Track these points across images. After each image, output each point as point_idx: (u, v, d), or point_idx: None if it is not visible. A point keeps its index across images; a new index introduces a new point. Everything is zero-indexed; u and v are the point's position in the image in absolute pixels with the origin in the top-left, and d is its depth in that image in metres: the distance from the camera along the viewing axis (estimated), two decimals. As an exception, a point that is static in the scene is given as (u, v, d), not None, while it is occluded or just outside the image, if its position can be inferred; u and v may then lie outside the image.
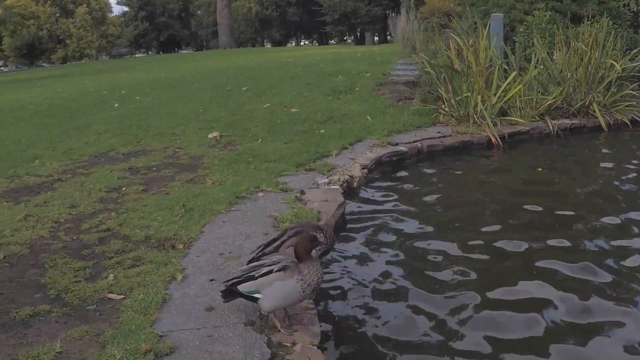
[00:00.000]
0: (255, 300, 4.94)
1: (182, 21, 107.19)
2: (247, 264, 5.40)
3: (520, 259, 6.33)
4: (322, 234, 5.67)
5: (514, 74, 12.65)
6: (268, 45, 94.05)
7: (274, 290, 4.85)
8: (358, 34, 75.31)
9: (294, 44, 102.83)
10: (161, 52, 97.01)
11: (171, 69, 32.55)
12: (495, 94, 12.39)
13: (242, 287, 4.99)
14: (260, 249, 5.87)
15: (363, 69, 20.67)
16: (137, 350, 4.61)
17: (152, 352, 4.58)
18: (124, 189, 9.19)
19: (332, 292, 6.14)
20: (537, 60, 13.32)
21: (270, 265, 4.98)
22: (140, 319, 5.12)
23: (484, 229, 7.36)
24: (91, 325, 5.15)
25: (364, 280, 6.30)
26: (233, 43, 65.22)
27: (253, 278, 4.97)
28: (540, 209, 7.86)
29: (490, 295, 5.73)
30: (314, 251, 5.38)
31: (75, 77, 36.54)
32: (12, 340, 5.01)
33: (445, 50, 13.54)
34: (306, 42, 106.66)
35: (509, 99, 12.54)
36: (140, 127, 14.56)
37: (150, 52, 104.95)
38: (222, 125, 13.43)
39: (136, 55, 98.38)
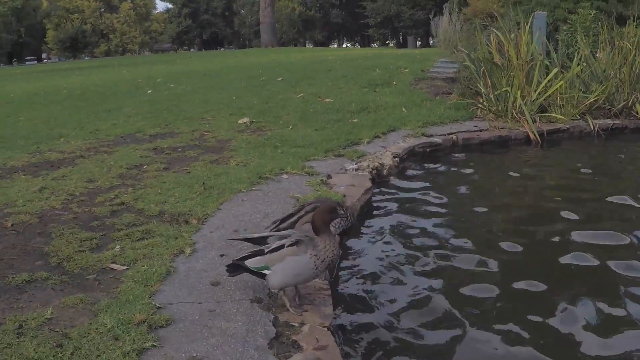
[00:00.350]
0: (263, 276, 4.53)
1: (225, 19, 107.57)
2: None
3: (548, 254, 5.82)
4: (342, 210, 5.27)
5: (555, 70, 12.17)
6: (310, 46, 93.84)
7: (285, 266, 4.44)
8: (400, 37, 74.91)
9: (335, 45, 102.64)
10: (203, 50, 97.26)
11: (210, 63, 32.37)
12: (535, 90, 11.92)
13: (250, 263, 4.59)
14: (275, 224, 5.50)
15: (402, 65, 20.25)
16: (130, 320, 4.25)
17: (145, 323, 4.21)
18: (144, 166, 8.87)
19: (350, 275, 5.72)
20: (580, 58, 12.81)
21: (282, 240, 4.58)
22: (139, 289, 4.76)
23: (517, 224, 6.90)
24: (87, 293, 4.80)
25: (384, 266, 5.89)
26: (275, 42, 64.99)
27: (262, 253, 4.58)
28: (576, 207, 7.32)
29: (514, 286, 5.27)
30: (332, 228, 4.99)
31: (114, 68, 36.55)
32: (3, 304, 4.70)
33: (486, 44, 13.07)
34: (348, 45, 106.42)
35: (549, 95, 12.06)
36: (170, 111, 14.29)
37: (192, 49, 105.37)
38: (254, 112, 13.09)
39: (178, 52, 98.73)
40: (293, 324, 4.39)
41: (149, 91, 18.68)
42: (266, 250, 4.54)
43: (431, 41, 58.71)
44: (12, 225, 6.50)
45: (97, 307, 4.52)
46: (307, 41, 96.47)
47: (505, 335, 4.59)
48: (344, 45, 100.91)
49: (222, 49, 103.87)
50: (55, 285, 5.00)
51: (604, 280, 5.46)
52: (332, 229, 4.86)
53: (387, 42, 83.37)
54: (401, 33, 71.46)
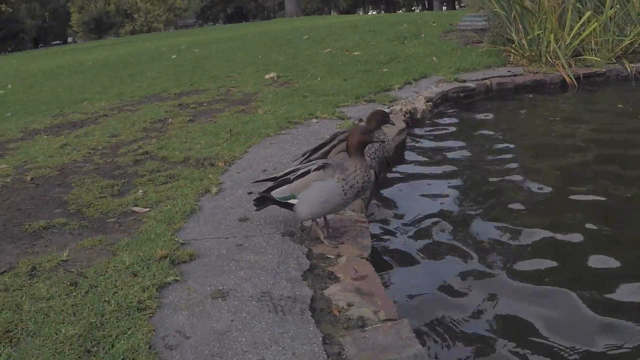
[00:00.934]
0: (291, 207, 4.15)
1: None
2: None
3: (577, 207, 5.25)
4: (385, 117, 4.94)
5: (588, 13, 11.63)
6: (335, 14, 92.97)
7: (312, 192, 4.04)
8: (426, 2, 73.85)
9: (361, 13, 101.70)
10: (228, 24, 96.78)
11: (234, 31, 31.96)
12: (569, 34, 11.40)
13: (276, 193, 4.20)
14: (306, 155, 5.11)
15: (429, 19, 19.79)
16: (150, 256, 3.92)
17: (167, 259, 3.87)
18: (169, 120, 8.55)
19: (386, 213, 5.34)
20: (613, 0, 12.22)
21: (309, 166, 4.19)
22: (161, 228, 4.43)
23: (553, 171, 6.37)
24: (107, 235, 4.48)
25: (415, 205, 5.48)
26: (299, 11, 64.27)
27: (289, 181, 4.18)
28: (622, 152, 6.80)
29: (532, 240, 4.72)
30: (368, 158, 4.61)
31: (139, 42, 36.24)
32: (17, 250, 4.39)
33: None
34: (374, 12, 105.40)
35: (583, 39, 11.53)
36: (195, 72, 13.96)
37: (217, 24, 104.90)
38: (280, 68, 12.72)
39: (202, 27, 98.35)
40: (329, 256, 4.02)
41: (174, 56, 18.36)
42: (292, 178, 4.16)
43: (457, 6, 57.86)
44: (31, 179, 6.22)
45: (116, 247, 4.20)
46: (332, 10, 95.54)
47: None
48: (369, 13, 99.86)
49: (246, 23, 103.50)
50: (73, 229, 4.70)
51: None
52: (367, 158, 4.48)
53: (412, 8, 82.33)
54: (426, -2, 70.38)
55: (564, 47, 11.27)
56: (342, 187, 3.95)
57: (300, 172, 4.14)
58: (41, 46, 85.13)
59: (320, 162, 4.13)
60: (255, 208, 4.37)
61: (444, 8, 67.55)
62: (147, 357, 2.85)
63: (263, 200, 4.31)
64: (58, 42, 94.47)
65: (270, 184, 4.29)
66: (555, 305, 3.74)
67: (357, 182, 3.97)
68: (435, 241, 4.72)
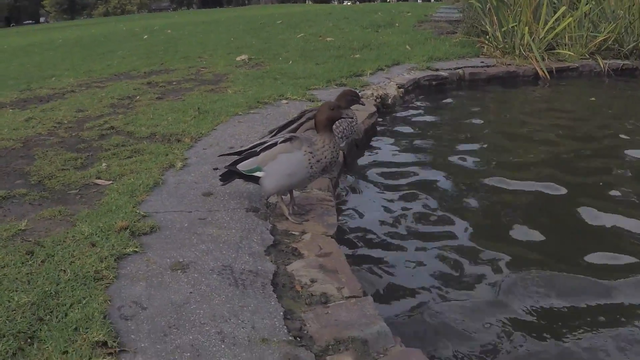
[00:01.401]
0: (257, 180, 4.06)
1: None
2: None
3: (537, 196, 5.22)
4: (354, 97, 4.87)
5: (563, 8, 11.67)
6: (309, 3, 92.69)
7: (278, 164, 3.96)
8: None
9: (336, 3, 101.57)
10: (202, 8, 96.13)
11: (208, 15, 31.77)
12: (543, 28, 11.40)
13: (241, 166, 4.11)
14: (274, 132, 5.02)
15: (404, 9, 19.75)
16: (110, 227, 3.81)
17: (127, 230, 3.77)
18: (137, 97, 8.42)
19: (352, 194, 5.29)
20: (589, -3, 12.23)
21: (276, 139, 4.11)
22: (123, 199, 4.33)
23: (520, 158, 6.34)
24: (67, 206, 4.37)
25: (382, 188, 5.46)
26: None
27: (255, 154, 4.10)
28: (593, 143, 6.77)
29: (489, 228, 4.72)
30: (336, 137, 4.54)
31: (112, 23, 35.93)
32: (-26, 219, 4.23)
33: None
34: (349, 3, 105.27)
35: (557, 33, 11.54)
36: (166, 52, 13.83)
37: (191, 9, 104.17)
38: (252, 51, 12.62)
39: (177, 10, 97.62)
40: (293, 232, 3.95)
41: (145, 37, 18.19)
42: (258, 150, 4.08)
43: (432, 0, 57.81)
44: (-7, 150, 6.05)
45: (75, 218, 4.10)
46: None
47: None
48: (344, 3, 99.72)
49: (221, 8, 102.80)
50: (33, 200, 4.58)
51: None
52: (336, 137, 4.42)
53: (388, 0, 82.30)
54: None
55: (538, 41, 11.29)
56: (309, 160, 3.87)
57: (266, 144, 4.06)
58: (13, 25, 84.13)
59: (287, 135, 4.05)
60: (221, 183, 4.27)
61: (419, 0, 67.62)
62: (101, 327, 2.75)
63: (229, 175, 4.22)
64: (30, 21, 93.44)
65: (236, 158, 4.20)
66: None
67: (325, 157, 3.90)
68: (401, 223, 4.67)
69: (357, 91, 4.36)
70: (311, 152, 3.86)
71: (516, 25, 11.40)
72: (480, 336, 3.25)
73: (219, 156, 4.73)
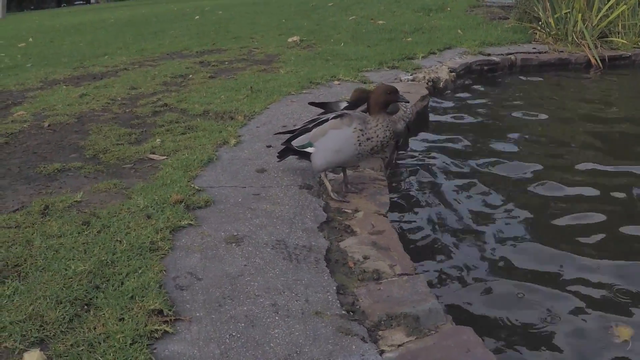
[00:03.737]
0: (309, 156, 4.07)
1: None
2: None
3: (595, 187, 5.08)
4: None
5: (617, -6, 11.39)
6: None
7: (327, 140, 3.96)
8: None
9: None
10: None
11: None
12: (596, 15, 11.19)
13: (295, 142, 4.14)
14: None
15: (457, -7, 19.45)
16: (165, 200, 3.86)
17: (182, 203, 3.80)
18: (190, 76, 8.47)
19: (405, 175, 5.26)
20: (644, -17, 11.96)
21: (329, 115, 4.11)
22: (178, 174, 4.37)
23: (570, 149, 6.24)
24: (122, 180, 4.43)
25: (434, 171, 5.43)
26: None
27: (308, 130, 4.11)
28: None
29: (541, 212, 4.66)
30: (394, 116, 4.53)
31: (163, 4, 36.09)
32: (31, 190, 4.34)
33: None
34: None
35: (611, 20, 11.30)
36: (218, 33, 13.86)
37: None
38: (304, 32, 12.57)
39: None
40: (346, 210, 3.95)
41: (197, 17, 18.25)
42: (311, 126, 4.08)
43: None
44: (49, 125, 6.18)
45: (130, 191, 4.15)
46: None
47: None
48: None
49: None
50: (88, 173, 4.65)
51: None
52: (395, 117, 4.42)
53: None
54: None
55: (591, 28, 11.07)
56: (358, 137, 3.85)
57: (319, 120, 4.06)
58: (64, 5, 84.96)
59: (340, 112, 4.05)
60: (277, 159, 4.31)
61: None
62: (157, 296, 2.79)
63: (285, 152, 4.26)
64: (81, 2, 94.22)
65: (291, 135, 4.22)
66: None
67: (376, 137, 3.87)
68: (453, 206, 4.64)
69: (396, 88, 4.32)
70: (361, 130, 3.85)
71: (569, 12, 11.20)
72: (531, 321, 3.22)
73: (275, 134, 4.74)
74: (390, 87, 4.00)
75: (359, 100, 4.54)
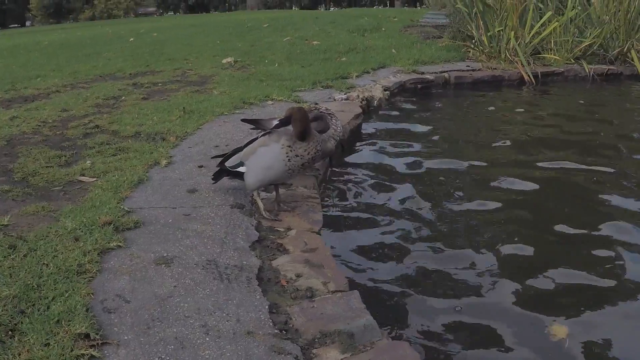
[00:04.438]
0: (242, 176, 4.06)
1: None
2: None
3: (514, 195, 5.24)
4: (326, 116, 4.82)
5: (549, 13, 11.69)
6: (296, 9, 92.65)
7: (257, 158, 3.98)
8: (388, 2, 74.00)
9: (323, 9, 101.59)
10: (189, 13, 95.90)
11: (194, 20, 31.69)
12: (529, 32, 11.44)
13: (228, 163, 4.14)
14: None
15: (390, 15, 19.76)
16: (94, 222, 3.78)
17: (111, 225, 3.74)
18: (123, 97, 8.38)
19: (338, 193, 5.27)
20: (574, 2, 12.25)
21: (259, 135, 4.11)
22: (107, 196, 4.30)
23: (503, 158, 6.37)
24: (51, 202, 4.33)
25: (367, 188, 5.46)
26: (261, 5, 64.01)
27: (240, 150, 4.11)
28: (571, 146, 6.75)
29: (470, 224, 4.75)
30: (324, 135, 4.53)
31: (98, 27, 35.74)
32: (-45, 215, 4.18)
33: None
34: (335, 9, 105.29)
35: (543, 38, 11.57)
36: (152, 54, 13.75)
37: (178, 14, 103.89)
38: (238, 53, 12.57)
39: (163, 15, 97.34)
40: (278, 229, 3.93)
41: (131, 39, 18.11)
42: (243, 145, 4.08)
43: (418, 7, 57.92)
44: (-24, 148, 6.00)
45: (59, 213, 4.06)
46: (293, 5, 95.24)
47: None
48: (331, 9, 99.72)
49: (207, 14, 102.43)
50: (16, 196, 4.54)
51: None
52: (326, 137, 4.44)
53: (374, 6, 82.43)
54: (389, -4, 70.39)
55: (524, 45, 11.31)
56: (287, 153, 3.86)
57: (250, 140, 4.06)
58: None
59: (270, 130, 4.05)
60: (212, 182, 4.32)
61: (405, 7, 67.80)
62: (84, 320, 2.73)
63: (219, 174, 4.28)
64: (16, 25, 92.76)
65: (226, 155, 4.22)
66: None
67: (305, 154, 3.90)
68: (385, 221, 4.66)
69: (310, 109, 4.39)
70: (289, 146, 3.86)
71: (502, 30, 11.43)
72: (471, 334, 3.24)
73: (212, 158, 4.70)
74: (301, 107, 4.01)
75: (290, 118, 4.54)
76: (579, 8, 12.05)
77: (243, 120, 4.83)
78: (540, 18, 11.69)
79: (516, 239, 4.30)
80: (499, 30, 11.45)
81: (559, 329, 3.22)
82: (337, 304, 3.00)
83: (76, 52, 15.55)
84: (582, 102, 9.02)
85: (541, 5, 12.34)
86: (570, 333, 3.20)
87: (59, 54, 15.83)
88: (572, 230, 4.43)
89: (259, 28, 17.57)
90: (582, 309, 3.46)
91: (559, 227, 4.49)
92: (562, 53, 11.54)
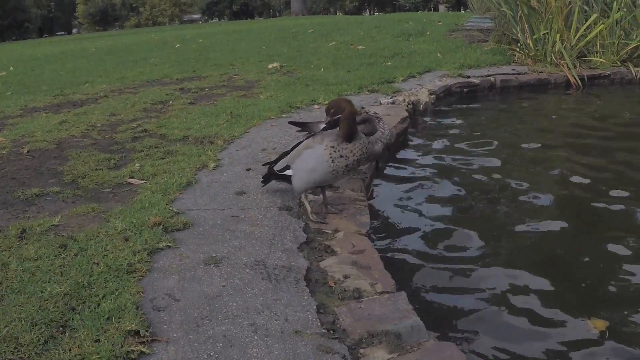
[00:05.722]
0: (290, 179, 4.08)
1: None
2: None
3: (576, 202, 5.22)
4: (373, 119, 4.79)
5: (594, 15, 11.52)
6: (340, 14, 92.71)
7: (302, 161, 3.99)
8: (432, 6, 73.78)
9: (367, 14, 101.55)
10: (234, 19, 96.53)
11: (239, 26, 31.88)
12: (574, 35, 11.31)
13: (276, 167, 4.16)
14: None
15: (435, 18, 19.72)
16: (143, 223, 3.83)
17: (161, 226, 3.77)
18: (170, 102, 8.46)
19: (385, 196, 5.25)
20: (620, 3, 12.08)
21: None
22: (156, 197, 4.35)
23: (561, 161, 6.27)
24: (101, 204, 4.40)
25: (414, 192, 5.43)
26: (305, 11, 64.07)
27: (287, 153, 4.13)
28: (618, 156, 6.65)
29: (516, 228, 4.62)
30: (372, 137, 4.52)
31: (144, 34, 36.17)
32: (9, 215, 4.30)
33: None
34: (379, 13, 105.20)
35: (589, 40, 11.42)
36: (198, 60, 13.89)
37: (222, 20, 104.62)
38: (284, 58, 12.63)
39: (207, 22, 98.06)
40: (326, 230, 3.94)
41: (177, 45, 18.30)
42: (290, 149, 4.11)
43: (462, 10, 57.63)
44: (28, 151, 6.14)
45: (109, 214, 4.11)
46: (337, 11, 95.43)
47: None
48: (375, 14, 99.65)
49: (251, 20, 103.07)
50: (66, 198, 4.61)
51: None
52: (373, 140, 4.43)
53: (418, 11, 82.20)
54: (432, 2, 70.13)
55: (570, 48, 11.19)
56: (330, 154, 3.86)
57: (298, 142, 4.08)
58: (45, 36, 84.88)
59: (315, 132, 4.07)
60: (262, 184, 4.42)
61: (449, 11, 67.56)
62: (134, 317, 2.75)
63: (268, 177, 4.33)
64: (63, 32, 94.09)
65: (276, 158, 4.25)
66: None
67: (350, 155, 3.89)
68: (431, 225, 4.63)
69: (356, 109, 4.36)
70: (333, 147, 3.86)
71: (547, 33, 11.32)
72: (515, 334, 3.21)
73: (263, 165, 4.71)
74: (351, 109, 4.00)
75: (337, 120, 4.55)
76: (625, 10, 11.88)
77: (290, 122, 4.86)
78: (586, 20, 11.55)
79: (561, 245, 4.25)
80: (544, 34, 11.33)
81: (598, 322, 3.19)
82: (385, 305, 2.99)
83: (123, 58, 15.76)
84: (627, 108, 8.84)
85: (586, 8, 12.19)
86: (610, 326, 3.18)
87: (106, 60, 16.05)
88: (621, 233, 4.35)
89: (304, 33, 17.63)
90: (623, 304, 3.43)
91: (607, 227, 4.42)
92: (608, 56, 11.39)
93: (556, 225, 4.55)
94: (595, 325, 3.19)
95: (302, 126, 4.70)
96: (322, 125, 4.41)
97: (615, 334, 3.13)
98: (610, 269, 3.85)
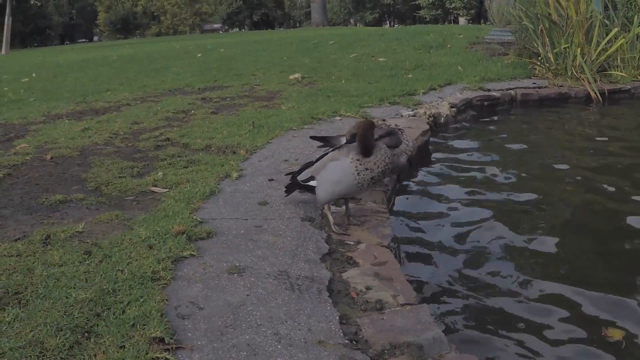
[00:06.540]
0: (313, 190, 4.10)
1: (275, 1, 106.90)
2: None
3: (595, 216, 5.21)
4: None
5: (615, 30, 11.51)
6: (360, 26, 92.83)
7: (327, 172, 4.01)
8: (452, 19, 73.77)
9: (387, 25, 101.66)
10: (254, 29, 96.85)
11: (260, 36, 32.04)
12: (595, 49, 11.29)
13: (300, 177, 4.18)
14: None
15: (455, 31, 19.66)
16: (167, 231, 3.85)
17: (184, 235, 3.80)
18: (192, 111, 8.51)
19: (406, 208, 5.26)
20: (641, 18, 12.05)
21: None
22: (180, 206, 4.38)
23: (583, 177, 6.22)
24: (124, 211, 4.43)
25: (436, 205, 5.44)
26: (325, 22, 64.17)
27: (311, 164, 4.15)
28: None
29: (539, 243, 4.62)
30: (397, 150, 4.54)
31: (165, 42, 36.40)
32: (33, 220, 4.35)
33: (544, 2, 12.43)
34: (399, 26, 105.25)
35: (610, 54, 11.40)
36: (219, 70, 13.95)
37: (242, 30, 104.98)
38: (305, 70, 12.66)
39: (228, 32, 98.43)
40: (348, 242, 3.95)
41: (199, 55, 18.40)
42: (314, 160, 4.12)
43: (483, 24, 57.55)
44: (51, 158, 6.20)
45: (132, 222, 4.15)
46: (357, 23, 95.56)
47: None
48: (395, 26, 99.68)
49: (272, 30, 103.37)
50: (90, 205, 4.65)
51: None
52: (396, 151, 4.44)
53: (438, 23, 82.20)
54: (452, 15, 70.11)
55: (590, 62, 11.17)
56: (356, 167, 3.88)
57: (322, 154, 4.10)
58: (67, 43, 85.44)
59: (340, 145, 4.09)
60: (285, 194, 4.43)
61: (470, 24, 67.45)
62: (159, 324, 2.78)
63: (291, 187, 4.34)
64: (84, 40, 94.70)
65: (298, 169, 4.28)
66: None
67: (374, 168, 3.91)
68: (454, 238, 4.64)
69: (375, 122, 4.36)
70: (358, 160, 3.88)
71: (568, 47, 11.31)
72: (537, 346, 3.21)
73: (286, 175, 4.72)
74: (369, 121, 4.03)
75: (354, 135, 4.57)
76: (645, 24, 11.86)
77: (312, 137, 4.89)
78: (606, 35, 11.54)
79: (583, 256, 4.25)
80: (565, 47, 11.32)
81: (615, 331, 3.19)
82: (407, 316, 3.01)
83: (145, 67, 15.86)
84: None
85: (607, 22, 12.18)
86: (627, 336, 3.18)
87: (127, 68, 16.16)
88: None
89: (325, 44, 17.68)
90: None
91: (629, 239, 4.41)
92: (629, 70, 11.37)
93: (578, 238, 4.55)
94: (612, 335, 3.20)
95: (324, 141, 4.72)
96: (344, 140, 4.43)
97: (632, 344, 3.13)
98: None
